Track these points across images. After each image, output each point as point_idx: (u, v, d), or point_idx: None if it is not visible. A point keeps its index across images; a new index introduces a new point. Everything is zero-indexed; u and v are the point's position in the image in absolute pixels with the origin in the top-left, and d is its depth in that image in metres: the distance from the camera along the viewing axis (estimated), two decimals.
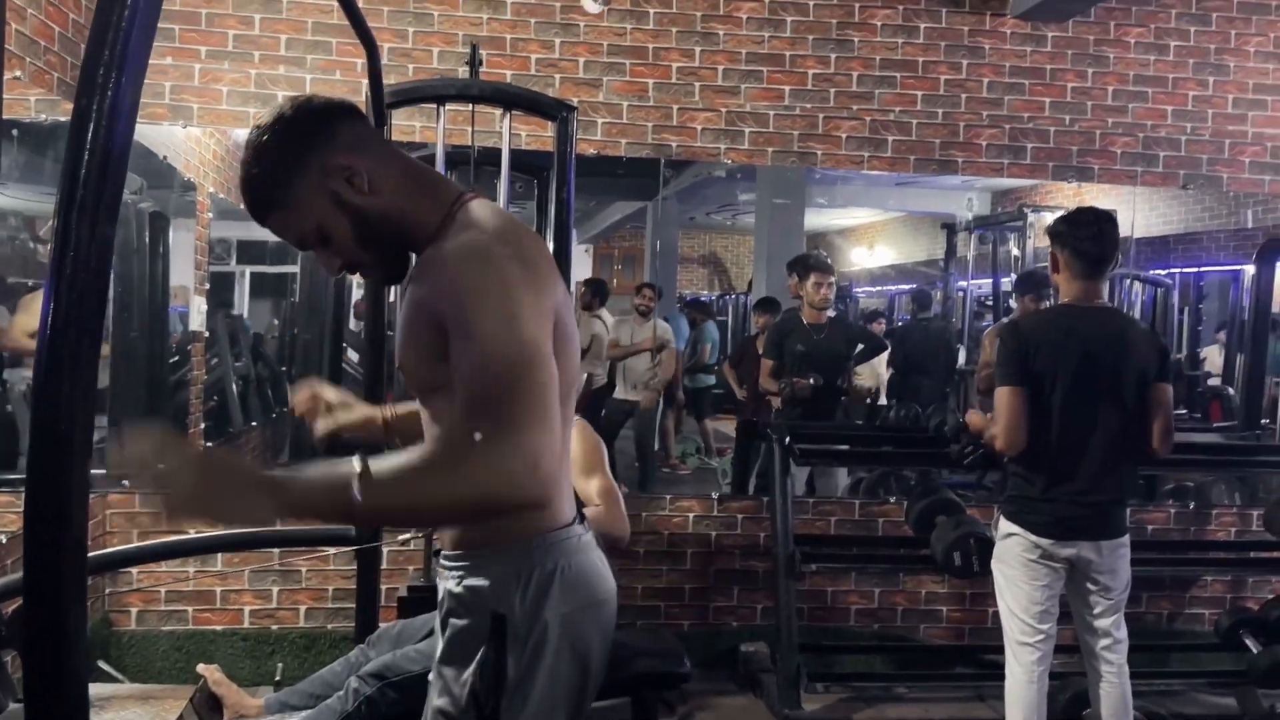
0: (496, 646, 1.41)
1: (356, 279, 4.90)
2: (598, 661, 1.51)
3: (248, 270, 4.81)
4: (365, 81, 3.90)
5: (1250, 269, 4.94)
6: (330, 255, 1.47)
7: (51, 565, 1.01)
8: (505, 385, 1.25)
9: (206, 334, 4.30)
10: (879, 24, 4.31)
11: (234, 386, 4.66)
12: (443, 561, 1.54)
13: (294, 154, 1.39)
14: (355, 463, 1.23)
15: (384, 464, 1.24)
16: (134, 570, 3.89)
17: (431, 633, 2.52)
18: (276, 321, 5.20)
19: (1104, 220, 2.90)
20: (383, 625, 2.83)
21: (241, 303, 4.79)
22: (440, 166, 3.16)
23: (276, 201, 1.41)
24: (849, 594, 4.36)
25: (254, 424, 4.87)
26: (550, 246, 3.01)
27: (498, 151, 3.27)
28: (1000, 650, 3.02)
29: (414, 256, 1.50)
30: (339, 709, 2.43)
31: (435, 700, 1.50)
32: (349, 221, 1.42)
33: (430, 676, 1.54)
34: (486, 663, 1.41)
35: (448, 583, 1.50)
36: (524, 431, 1.23)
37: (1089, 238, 2.86)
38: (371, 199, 1.42)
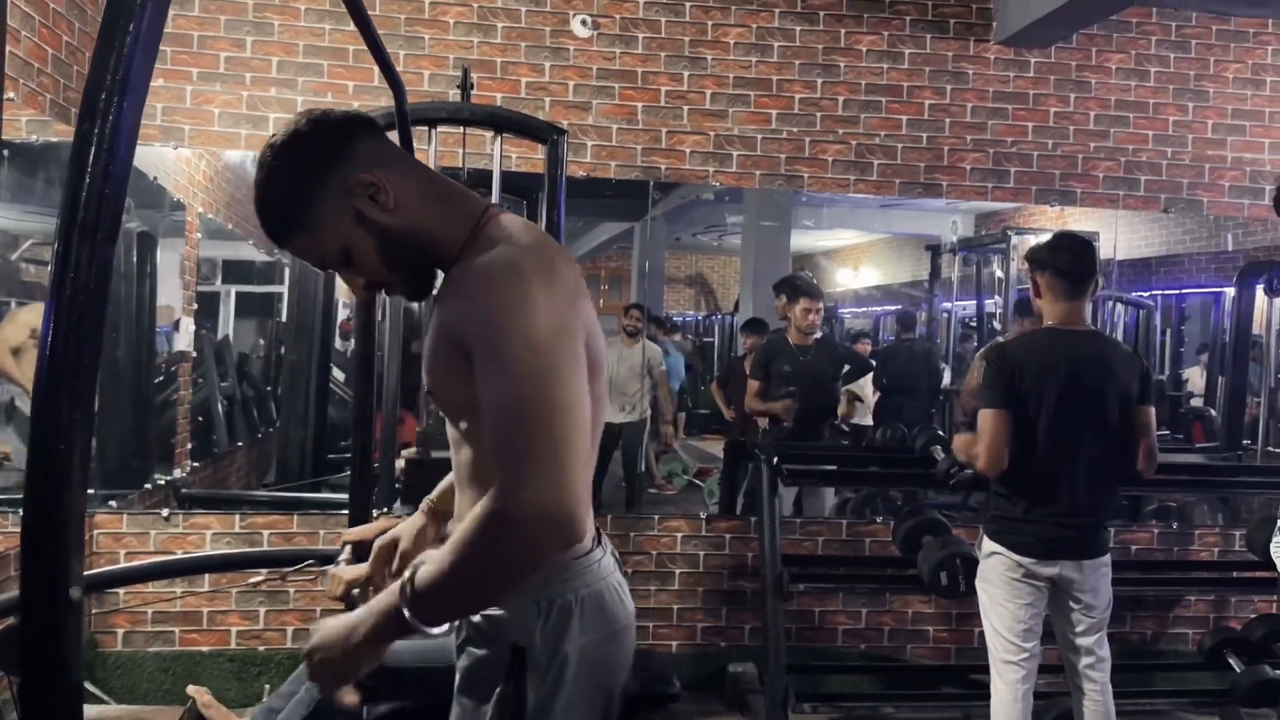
0: (517, 681, 1.38)
1: (342, 298, 4.95)
2: (619, 689, 1.48)
3: (233, 290, 4.81)
4: (357, 104, 3.96)
5: (1231, 291, 5.00)
6: (354, 274, 1.41)
7: (48, 586, 1.01)
8: (532, 417, 1.19)
9: (194, 354, 4.30)
10: (865, 49, 4.37)
11: (220, 406, 4.66)
12: None
13: (314, 172, 1.33)
14: (406, 572, 1.24)
15: (430, 562, 1.23)
16: (121, 591, 3.87)
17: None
18: (262, 341, 5.20)
19: (1080, 242, 2.96)
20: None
21: (227, 322, 4.80)
22: None
23: (297, 223, 1.36)
24: (836, 614, 4.38)
25: (239, 444, 4.87)
26: None
27: (488, 173, 3.29)
28: (986, 670, 3.03)
29: (440, 274, 1.44)
30: (308, 699, 2.43)
31: None
32: (374, 240, 1.36)
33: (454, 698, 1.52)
34: (507, 698, 1.38)
35: None
36: (556, 466, 1.18)
37: (1066, 260, 2.91)
38: (396, 215, 1.36)
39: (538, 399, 1.20)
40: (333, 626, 1.29)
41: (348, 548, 2.41)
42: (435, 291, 1.47)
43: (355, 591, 2.23)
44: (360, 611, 1.28)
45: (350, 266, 1.40)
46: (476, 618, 1.44)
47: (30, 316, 3.64)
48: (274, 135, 1.37)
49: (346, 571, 2.24)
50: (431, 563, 1.23)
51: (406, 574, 1.24)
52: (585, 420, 1.24)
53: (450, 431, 1.47)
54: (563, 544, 1.20)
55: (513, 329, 1.22)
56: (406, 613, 1.22)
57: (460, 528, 1.22)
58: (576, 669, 1.40)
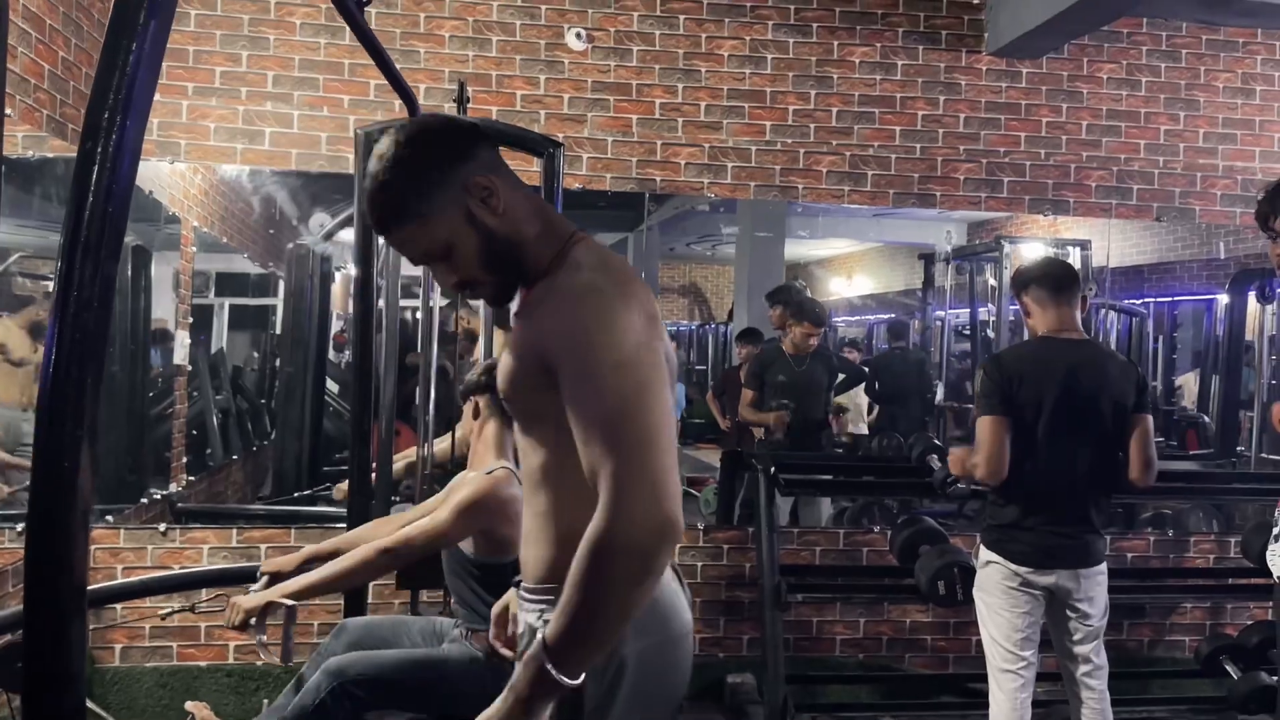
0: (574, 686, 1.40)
1: (336, 310, 4.95)
2: (678, 696, 1.51)
3: (227, 303, 4.81)
4: (353, 118, 3.97)
5: (1223, 298, 5.02)
6: (449, 271, 1.47)
7: (52, 603, 1.02)
8: (627, 432, 1.26)
9: (189, 367, 4.30)
10: (857, 61, 4.39)
11: (214, 420, 4.65)
12: (523, 594, 1.53)
13: (440, 167, 1.41)
14: (538, 634, 1.27)
15: (555, 614, 1.26)
16: (118, 606, 3.86)
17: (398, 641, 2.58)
18: (256, 354, 5.20)
19: (1053, 257, 3.04)
20: (346, 620, 2.84)
21: (221, 335, 4.79)
22: None
23: (412, 213, 1.42)
24: (834, 624, 4.37)
25: (235, 457, 4.86)
26: None
27: None
28: (984, 679, 3.04)
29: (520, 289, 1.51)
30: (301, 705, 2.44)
31: None
32: (478, 240, 1.44)
33: None
34: (564, 703, 1.38)
35: (529, 616, 1.50)
36: (658, 476, 1.24)
37: (1041, 269, 3.00)
38: (502, 221, 1.44)
39: (632, 415, 1.27)
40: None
41: (265, 578, 2.48)
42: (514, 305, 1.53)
43: (253, 621, 2.29)
44: (500, 698, 1.29)
45: (448, 262, 1.46)
46: (539, 624, 1.46)
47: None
48: (397, 130, 1.43)
49: (245, 600, 2.31)
50: (556, 614, 1.25)
51: (538, 636, 1.27)
52: (673, 427, 1.31)
53: (521, 439, 1.53)
54: (673, 549, 1.25)
55: (601, 350, 1.30)
56: (550, 667, 1.24)
57: (573, 565, 1.25)
58: (633, 674, 1.42)
